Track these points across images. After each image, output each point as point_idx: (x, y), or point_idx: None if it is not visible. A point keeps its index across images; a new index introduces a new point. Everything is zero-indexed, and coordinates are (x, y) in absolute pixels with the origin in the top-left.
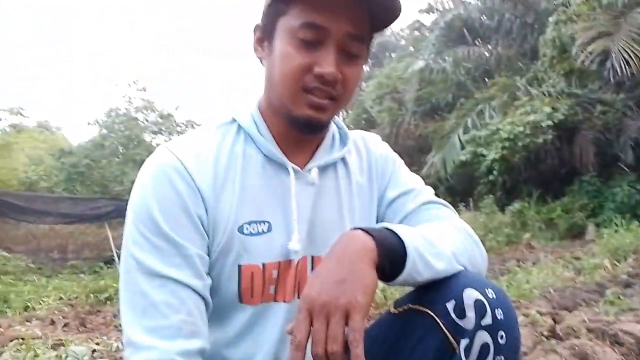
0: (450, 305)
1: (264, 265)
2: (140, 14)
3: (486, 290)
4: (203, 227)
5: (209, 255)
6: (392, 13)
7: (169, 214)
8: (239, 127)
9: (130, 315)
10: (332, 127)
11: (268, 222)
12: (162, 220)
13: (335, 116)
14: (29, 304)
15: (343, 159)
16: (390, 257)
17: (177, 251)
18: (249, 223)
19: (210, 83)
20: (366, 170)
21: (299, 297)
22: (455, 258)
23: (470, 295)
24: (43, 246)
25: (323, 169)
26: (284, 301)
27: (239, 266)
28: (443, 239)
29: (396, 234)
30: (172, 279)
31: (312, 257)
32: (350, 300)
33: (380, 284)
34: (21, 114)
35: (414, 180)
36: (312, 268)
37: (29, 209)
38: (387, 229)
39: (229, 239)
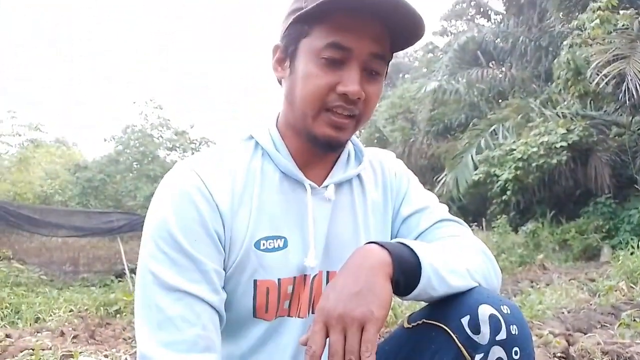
0: (465, 321)
1: (279, 280)
2: (140, 13)
3: (501, 306)
4: (220, 243)
5: (224, 270)
6: (416, 34)
7: (188, 229)
8: (257, 143)
9: (145, 329)
10: (348, 144)
11: (284, 238)
12: (180, 235)
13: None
14: (39, 316)
15: (358, 176)
16: (405, 272)
17: (194, 266)
18: (266, 239)
19: (209, 82)
20: (381, 187)
21: (313, 313)
22: (470, 275)
23: (485, 310)
24: (55, 259)
25: (339, 186)
26: (299, 316)
27: (255, 281)
28: (458, 256)
29: (411, 249)
30: (188, 293)
31: (328, 273)
32: (366, 312)
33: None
34: (39, 130)
35: (428, 198)
36: (327, 282)
37: (43, 222)
38: (403, 244)
39: (245, 255)
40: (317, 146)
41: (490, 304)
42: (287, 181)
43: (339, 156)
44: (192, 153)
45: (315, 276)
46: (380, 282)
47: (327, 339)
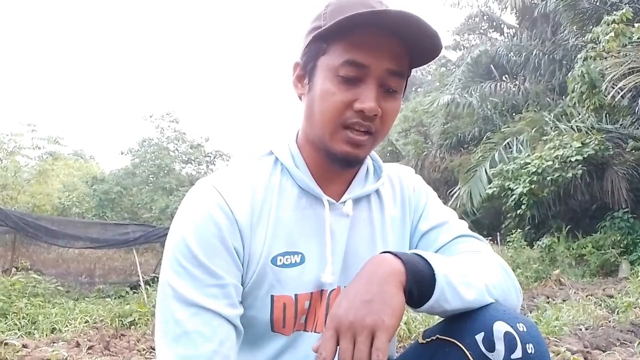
0: (479, 338)
1: (296, 296)
2: (158, 26)
3: (517, 323)
4: (239, 259)
5: (242, 285)
6: (432, 52)
7: (207, 245)
8: (276, 159)
9: (163, 342)
10: (367, 160)
11: (301, 254)
12: (200, 250)
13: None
14: (56, 326)
15: (377, 191)
16: (419, 282)
17: (213, 281)
18: (282, 255)
19: (225, 95)
20: (399, 203)
21: (318, 328)
22: (487, 290)
23: (501, 328)
24: (72, 270)
25: (357, 201)
26: (315, 331)
27: (272, 297)
28: (475, 271)
29: (426, 260)
30: (206, 308)
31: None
32: (377, 320)
33: (404, 316)
34: (58, 143)
35: (447, 214)
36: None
37: (61, 233)
38: (418, 254)
39: (262, 270)
40: (335, 163)
41: (505, 320)
42: (306, 197)
43: (357, 172)
44: (207, 166)
45: (332, 291)
46: (392, 291)
47: (338, 347)
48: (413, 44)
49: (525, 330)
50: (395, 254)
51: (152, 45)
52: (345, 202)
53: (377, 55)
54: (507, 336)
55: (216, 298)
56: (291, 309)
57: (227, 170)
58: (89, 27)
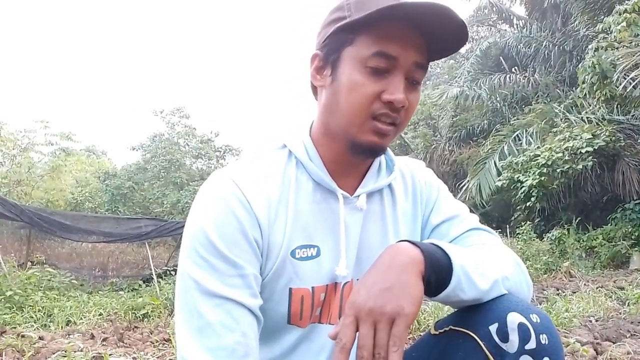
0: (493, 328)
1: (313, 288)
2: (169, 23)
3: (531, 314)
4: (259, 250)
5: (261, 277)
6: (459, 42)
7: (227, 235)
8: (290, 152)
9: (186, 334)
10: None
11: (317, 247)
12: (220, 241)
13: None
14: (70, 319)
15: (389, 185)
16: (437, 271)
17: (235, 271)
18: (300, 248)
19: (235, 89)
20: (411, 197)
21: (333, 319)
22: (501, 282)
23: (514, 318)
24: (86, 264)
25: (370, 195)
26: (329, 323)
27: (290, 289)
28: (489, 262)
29: (443, 249)
30: (228, 299)
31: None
32: (396, 308)
33: None
34: (71, 139)
35: (458, 207)
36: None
37: (74, 228)
38: (434, 244)
39: (281, 263)
40: (359, 154)
41: (519, 312)
42: (320, 190)
43: (370, 166)
44: (217, 161)
45: (346, 284)
46: (411, 279)
47: (357, 333)
48: (438, 35)
49: (538, 321)
50: (413, 243)
51: (163, 42)
52: (359, 196)
53: (405, 47)
54: (521, 327)
55: (238, 288)
56: (308, 302)
57: (243, 163)
58: (101, 24)
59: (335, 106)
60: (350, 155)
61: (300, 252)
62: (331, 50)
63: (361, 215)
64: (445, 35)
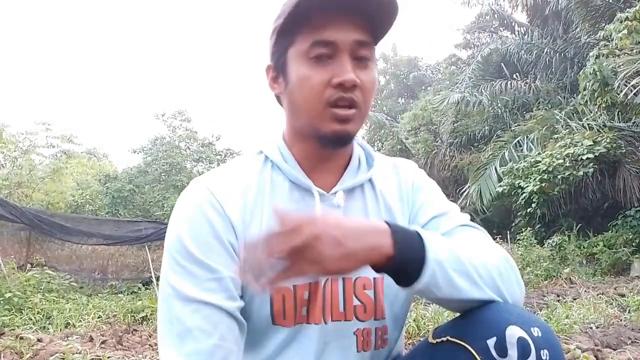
0: (491, 342)
1: (294, 287)
2: (170, 25)
3: (532, 328)
4: (235, 252)
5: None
6: (391, 15)
7: (201, 240)
8: (266, 157)
9: (166, 340)
10: (358, 150)
11: None
12: (194, 247)
13: (365, 141)
14: (69, 321)
15: (370, 181)
16: (406, 260)
17: (211, 275)
18: None
19: (236, 92)
20: (397, 195)
21: (324, 319)
22: (484, 280)
23: (514, 332)
24: (85, 266)
25: (350, 192)
26: (315, 323)
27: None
28: (474, 259)
29: (422, 240)
30: (206, 303)
31: (344, 279)
32: (320, 256)
33: (413, 312)
34: (72, 141)
35: (448, 205)
36: (344, 290)
37: (75, 230)
38: (418, 233)
39: None
40: (328, 145)
41: (520, 325)
42: (297, 190)
43: (349, 162)
44: (218, 164)
45: (326, 282)
46: (364, 246)
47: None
48: (372, 12)
49: (540, 335)
50: (389, 224)
51: (164, 44)
52: (336, 192)
53: (341, 29)
54: (521, 341)
55: (214, 292)
56: (290, 300)
57: (218, 170)
58: (102, 26)
59: (295, 106)
60: (321, 149)
61: None
62: (278, 57)
63: (339, 212)
64: (378, 10)
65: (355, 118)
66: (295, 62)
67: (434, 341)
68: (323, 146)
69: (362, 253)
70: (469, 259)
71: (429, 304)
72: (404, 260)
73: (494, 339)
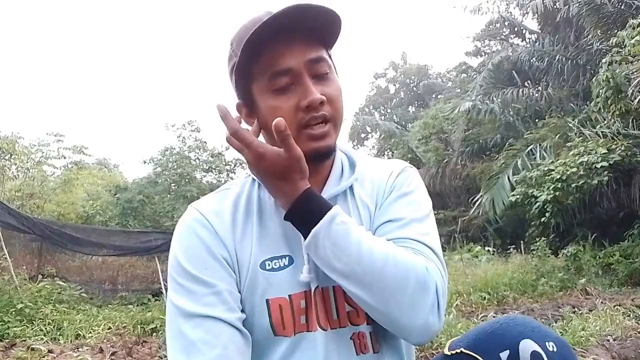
0: (504, 356)
1: (290, 296)
2: (177, 36)
3: (546, 342)
4: (229, 266)
5: (240, 292)
6: (332, 23)
7: (196, 258)
8: (253, 178)
9: (173, 355)
10: (340, 156)
11: (289, 256)
12: (190, 265)
13: (347, 146)
14: (80, 332)
15: (351, 188)
16: (298, 223)
17: (207, 290)
18: (270, 259)
19: None
20: (374, 198)
21: (322, 327)
22: (359, 278)
23: (528, 346)
24: (95, 277)
25: (333, 199)
26: (316, 331)
27: (267, 300)
28: (367, 259)
29: (323, 216)
30: (206, 316)
31: (334, 287)
32: (250, 154)
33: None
34: (83, 152)
35: (411, 212)
36: (335, 297)
37: (85, 241)
38: (330, 211)
39: (253, 276)
40: (311, 162)
41: (534, 339)
42: None
43: (331, 170)
44: (227, 174)
45: (316, 289)
46: (273, 186)
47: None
48: (315, 26)
49: (555, 350)
50: (309, 192)
51: (173, 55)
52: None
53: (291, 54)
54: (535, 356)
55: (213, 305)
56: (287, 310)
57: (211, 194)
58: (112, 37)
59: (272, 134)
60: (308, 165)
61: (270, 264)
62: (244, 94)
63: None
64: (319, 22)
65: (329, 131)
66: (261, 96)
67: (449, 353)
68: (308, 161)
69: (270, 187)
70: (361, 255)
71: None
72: (294, 220)
73: (507, 352)
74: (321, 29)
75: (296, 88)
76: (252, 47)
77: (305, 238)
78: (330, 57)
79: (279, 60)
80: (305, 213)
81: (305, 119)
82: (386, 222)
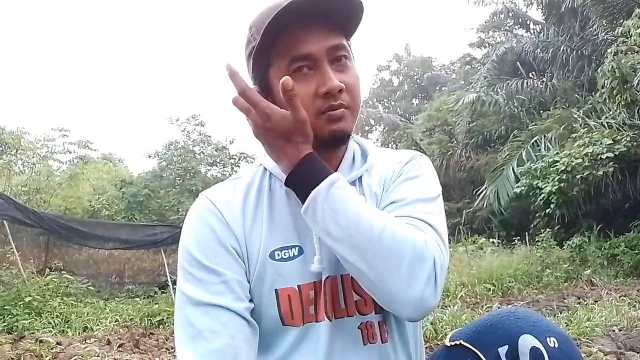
0: (502, 351)
1: (299, 287)
2: (182, 32)
3: (547, 338)
4: (239, 256)
5: (248, 282)
6: (356, 15)
7: (206, 247)
8: (265, 168)
9: (181, 343)
10: (353, 146)
11: (298, 246)
12: (200, 254)
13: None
14: (87, 325)
15: (360, 178)
16: (297, 184)
17: (217, 279)
18: (280, 249)
19: None
20: (382, 185)
21: (328, 317)
22: (349, 240)
23: (527, 341)
24: (102, 270)
25: None
26: (322, 321)
27: (276, 290)
28: (364, 217)
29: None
30: (214, 305)
31: (342, 276)
32: (256, 115)
33: (431, 316)
34: (89, 147)
35: (414, 193)
36: (343, 286)
37: (92, 235)
38: (334, 183)
39: (262, 266)
40: (326, 146)
41: (534, 334)
42: (293, 195)
43: (342, 159)
44: (232, 168)
45: (326, 280)
46: (275, 148)
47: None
48: (337, 12)
49: (556, 345)
50: (311, 155)
51: (177, 49)
52: None
53: (311, 40)
54: (534, 352)
55: (221, 294)
56: (296, 300)
57: (221, 184)
58: (118, 33)
59: None
60: (324, 149)
61: (280, 254)
62: (260, 79)
63: None
64: (341, 10)
65: (347, 115)
66: (278, 81)
67: (449, 344)
68: (323, 147)
69: (273, 149)
70: (359, 221)
71: (446, 307)
72: (295, 183)
73: (506, 347)
74: (343, 16)
75: (315, 74)
76: (272, 31)
77: (303, 203)
78: (349, 45)
79: (298, 45)
80: (305, 175)
81: (323, 106)
82: (390, 203)
